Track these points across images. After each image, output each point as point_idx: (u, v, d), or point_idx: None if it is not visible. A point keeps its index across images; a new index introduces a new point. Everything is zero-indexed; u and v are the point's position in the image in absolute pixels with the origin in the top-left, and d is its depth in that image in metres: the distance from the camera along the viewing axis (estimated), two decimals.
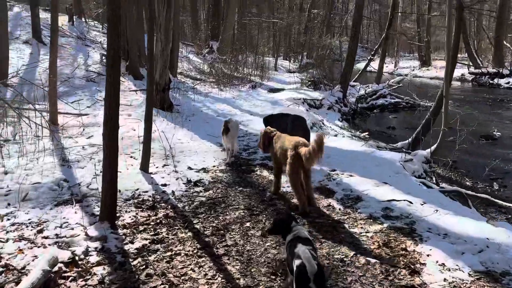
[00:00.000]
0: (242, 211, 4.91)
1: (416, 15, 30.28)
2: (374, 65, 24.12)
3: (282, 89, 18.38)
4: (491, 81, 24.54)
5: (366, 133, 12.95)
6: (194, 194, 5.42)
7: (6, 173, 5.77)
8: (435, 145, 6.90)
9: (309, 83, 18.53)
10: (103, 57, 16.63)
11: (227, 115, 11.87)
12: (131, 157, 6.95)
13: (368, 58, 19.62)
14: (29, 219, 4.48)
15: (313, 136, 4.86)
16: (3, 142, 7.44)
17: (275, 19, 30.97)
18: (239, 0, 25.78)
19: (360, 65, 26.84)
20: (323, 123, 12.14)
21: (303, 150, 4.72)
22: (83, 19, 23.08)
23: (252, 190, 5.63)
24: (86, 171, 6.07)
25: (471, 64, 28.27)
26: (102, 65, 16.00)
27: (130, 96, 13.30)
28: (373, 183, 5.61)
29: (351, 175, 5.82)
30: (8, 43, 12.07)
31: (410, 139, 8.32)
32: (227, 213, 4.85)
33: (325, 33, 31.83)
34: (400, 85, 20.28)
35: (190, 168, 6.48)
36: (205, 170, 6.44)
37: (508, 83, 23.54)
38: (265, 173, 6.34)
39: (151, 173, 6.09)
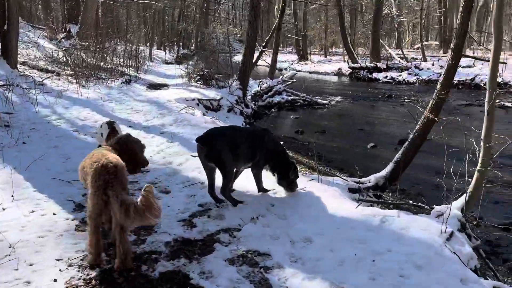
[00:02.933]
0: None
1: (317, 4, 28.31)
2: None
3: (165, 85, 14.22)
4: (369, 76, 23.80)
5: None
6: None
7: None
8: (466, 195, 3.85)
9: (198, 78, 14.66)
10: None
11: (89, 130, 7.41)
12: None
13: (260, 49, 16.58)
14: None
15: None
16: None
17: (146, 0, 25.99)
18: None
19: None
20: None
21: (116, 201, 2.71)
22: None
23: None
24: None
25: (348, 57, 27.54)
26: None
27: None
28: None
29: None
30: None
31: (387, 171, 5.24)
32: None
33: (203, 23, 27.98)
34: (294, 80, 17.71)
35: None
36: None
37: (386, 77, 22.98)
38: None
39: None
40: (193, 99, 10.77)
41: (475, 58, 6.25)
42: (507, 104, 14.57)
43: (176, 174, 5.11)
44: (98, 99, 10.26)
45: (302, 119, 13.79)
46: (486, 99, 3.73)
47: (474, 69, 21.14)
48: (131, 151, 3.21)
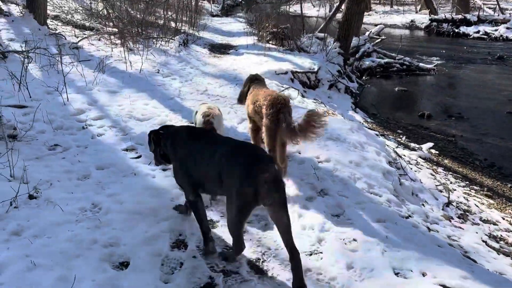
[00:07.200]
0: None
1: None
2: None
3: (230, 47, 10.57)
4: (456, 30, 18.97)
5: (430, 145, 6.15)
6: None
7: None
8: None
9: (270, 36, 10.84)
10: None
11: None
12: None
13: None
14: None
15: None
16: None
17: None
18: None
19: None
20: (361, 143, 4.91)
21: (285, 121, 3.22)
22: None
23: None
24: None
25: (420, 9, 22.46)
26: None
27: None
28: None
29: None
30: None
31: None
32: None
33: None
34: (384, 37, 13.56)
35: None
36: None
37: (477, 32, 18.15)
38: None
39: None
40: (286, 72, 7.14)
41: None
42: None
43: None
44: (154, 72, 6.84)
45: (412, 93, 9.94)
46: None
47: None
48: None
